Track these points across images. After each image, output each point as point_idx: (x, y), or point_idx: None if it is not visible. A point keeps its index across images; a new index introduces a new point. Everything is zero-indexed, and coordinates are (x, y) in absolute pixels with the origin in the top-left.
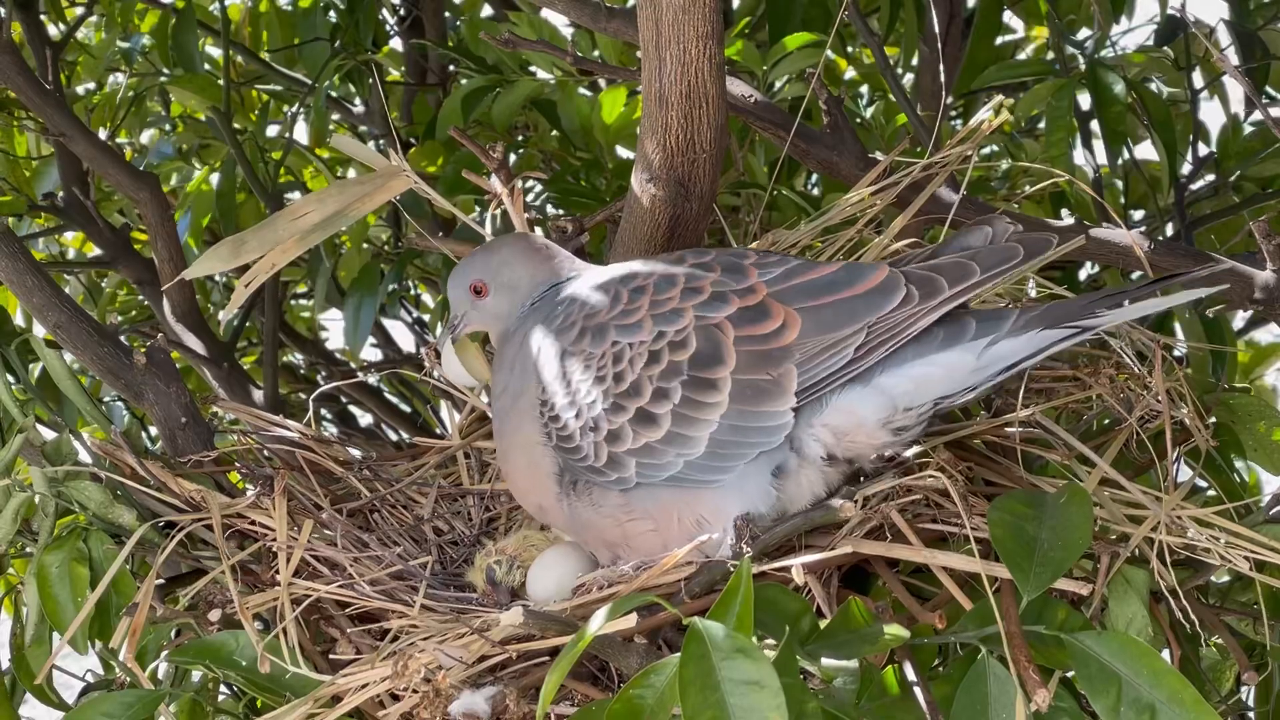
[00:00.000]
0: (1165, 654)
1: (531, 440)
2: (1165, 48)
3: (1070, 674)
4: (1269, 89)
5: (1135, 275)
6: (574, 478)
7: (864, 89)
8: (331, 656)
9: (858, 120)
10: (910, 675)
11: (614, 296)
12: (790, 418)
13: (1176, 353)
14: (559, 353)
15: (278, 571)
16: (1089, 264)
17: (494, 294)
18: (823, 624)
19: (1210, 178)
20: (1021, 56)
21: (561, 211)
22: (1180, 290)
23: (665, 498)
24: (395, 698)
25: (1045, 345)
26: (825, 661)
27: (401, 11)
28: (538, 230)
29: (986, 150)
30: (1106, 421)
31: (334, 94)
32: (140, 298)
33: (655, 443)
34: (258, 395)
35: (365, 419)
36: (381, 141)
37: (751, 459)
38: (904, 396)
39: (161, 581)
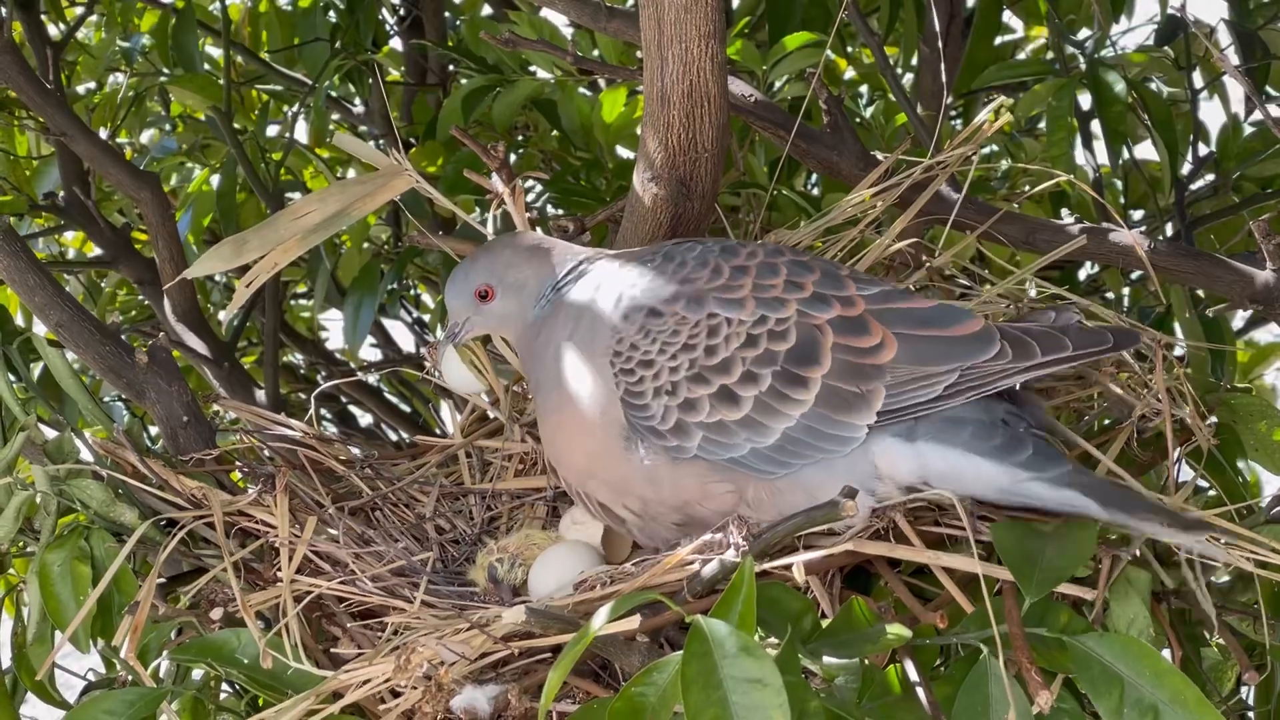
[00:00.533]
0: (1166, 654)
1: (599, 391)
2: (1165, 47)
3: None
4: (1269, 89)
5: (1135, 275)
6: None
7: (864, 89)
8: (333, 651)
9: (858, 120)
10: (912, 675)
11: (713, 269)
12: (863, 435)
13: (1177, 352)
14: (646, 308)
15: (280, 569)
16: (1089, 264)
17: (501, 296)
18: (825, 623)
19: (1210, 177)
20: (1021, 56)
21: (562, 211)
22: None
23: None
24: (396, 694)
25: (1074, 510)
26: (827, 660)
27: (401, 11)
28: (538, 230)
29: (987, 150)
30: (1107, 421)
31: (334, 94)
32: (140, 297)
33: (731, 422)
34: (259, 395)
35: (365, 419)
36: (382, 141)
37: (817, 462)
38: (934, 473)
39: (164, 580)
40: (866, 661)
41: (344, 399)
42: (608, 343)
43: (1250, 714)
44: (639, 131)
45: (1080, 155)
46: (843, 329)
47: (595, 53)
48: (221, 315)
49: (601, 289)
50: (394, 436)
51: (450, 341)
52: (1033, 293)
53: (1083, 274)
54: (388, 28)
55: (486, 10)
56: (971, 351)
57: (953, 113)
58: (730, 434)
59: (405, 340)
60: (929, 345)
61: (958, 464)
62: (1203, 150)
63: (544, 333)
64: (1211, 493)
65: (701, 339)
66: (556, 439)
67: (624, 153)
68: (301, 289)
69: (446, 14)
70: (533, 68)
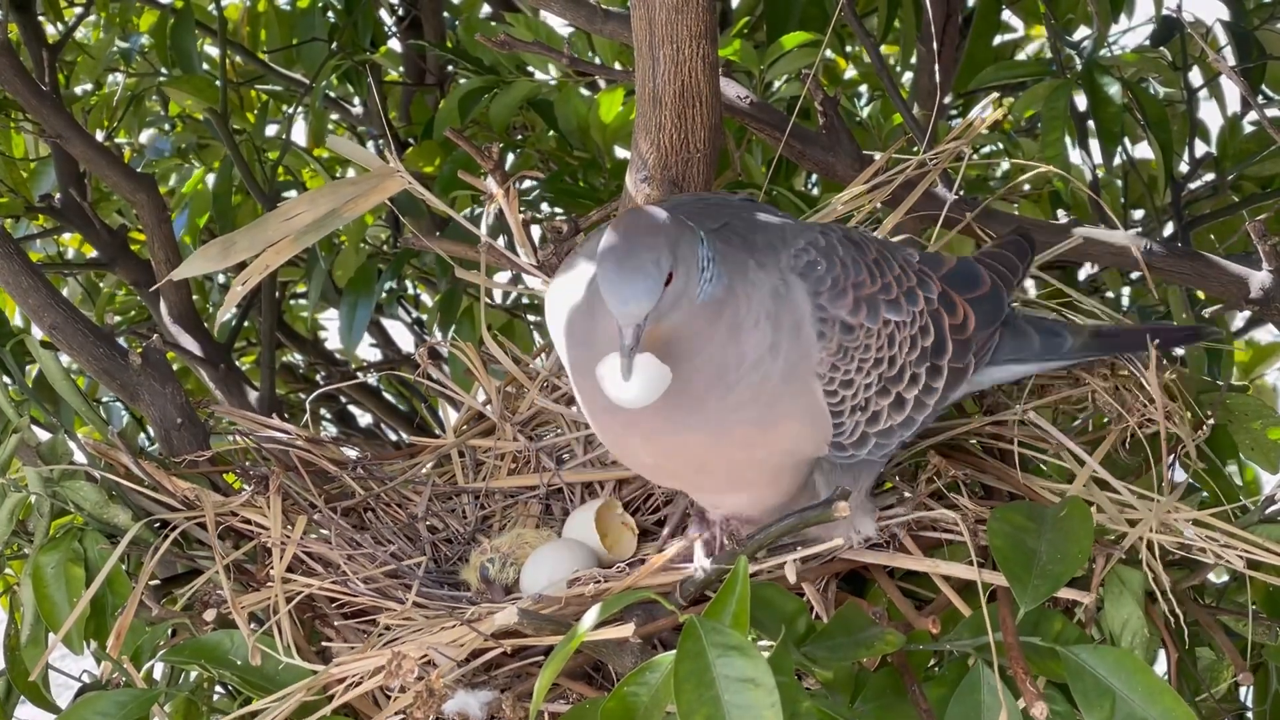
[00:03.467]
0: (1161, 654)
1: (813, 411)
2: (1162, 48)
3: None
4: (1266, 89)
5: (1134, 275)
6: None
7: (863, 88)
8: (324, 644)
9: (855, 120)
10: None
11: (868, 267)
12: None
13: (1176, 352)
14: (839, 321)
15: (272, 569)
16: (1089, 264)
17: (676, 277)
18: (819, 625)
19: (1209, 177)
20: (1021, 56)
21: (559, 211)
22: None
23: None
24: (388, 695)
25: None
26: (820, 663)
27: (400, 12)
28: (534, 230)
29: (986, 150)
30: (1106, 421)
31: (332, 94)
32: (139, 298)
33: (895, 425)
34: (255, 396)
35: (365, 419)
36: (379, 142)
37: None
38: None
39: (159, 582)
40: (859, 664)
41: (343, 399)
42: (815, 362)
43: (1248, 714)
44: (633, 132)
45: (1078, 155)
46: (945, 308)
47: (592, 55)
48: (217, 316)
49: (786, 288)
50: (393, 437)
51: (636, 352)
52: (1033, 292)
53: (1083, 274)
54: (386, 28)
55: (485, 11)
56: (1000, 303)
57: (952, 112)
58: (892, 435)
59: (404, 340)
60: (982, 307)
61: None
62: (1201, 150)
63: (721, 324)
64: (1205, 494)
65: (885, 351)
66: (734, 452)
67: (621, 153)
68: (300, 289)
69: (445, 14)
70: (530, 68)
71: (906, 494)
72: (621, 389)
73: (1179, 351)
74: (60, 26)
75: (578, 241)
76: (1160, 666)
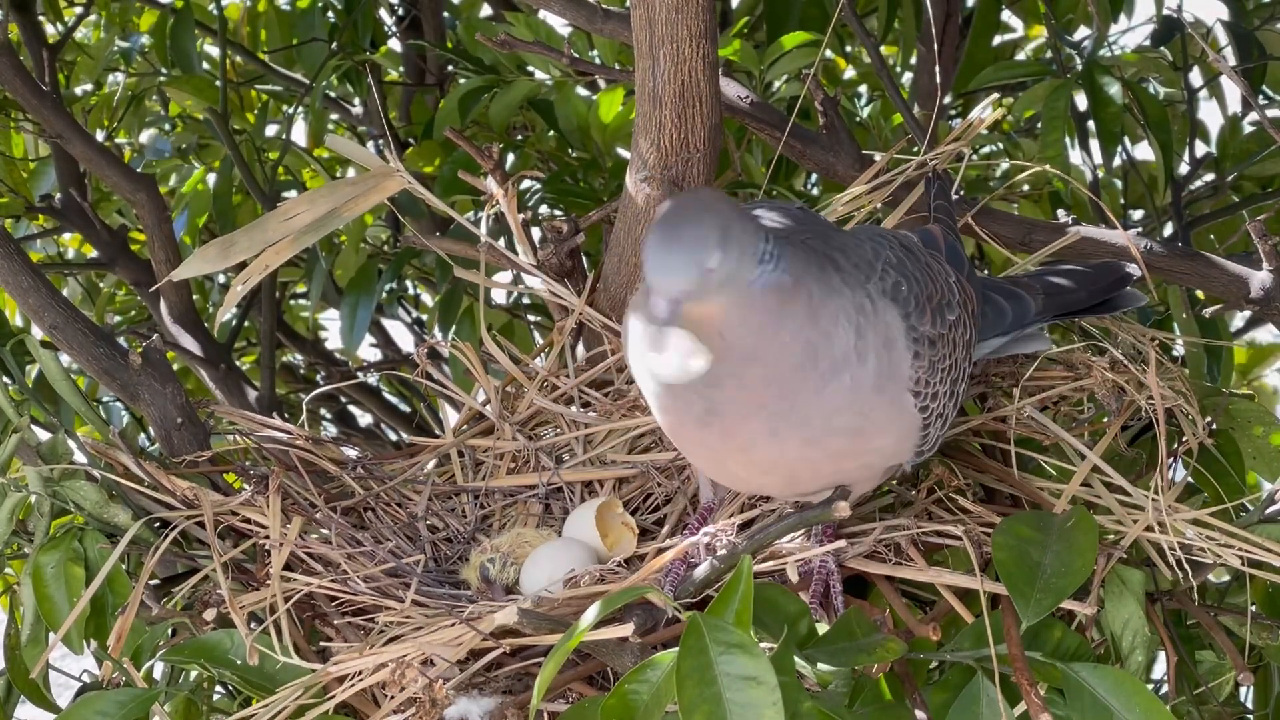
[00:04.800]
0: (1161, 656)
1: (906, 427)
2: (1162, 48)
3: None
4: (1266, 89)
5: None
6: None
7: (863, 88)
8: (324, 644)
9: (855, 120)
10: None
11: (929, 275)
12: None
13: (1176, 353)
14: (927, 339)
15: (272, 568)
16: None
17: (723, 260)
18: (820, 628)
19: (1209, 177)
20: (1021, 56)
21: (559, 211)
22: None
23: None
24: (385, 696)
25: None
26: (821, 666)
27: (400, 12)
28: (535, 231)
29: (986, 150)
30: (1105, 420)
31: (332, 94)
32: (139, 298)
33: (949, 425)
34: (255, 396)
35: (365, 419)
36: (379, 142)
37: None
38: None
39: (158, 581)
40: (859, 668)
41: (343, 399)
42: (909, 379)
43: (1249, 717)
44: (633, 132)
45: (1078, 155)
46: (964, 295)
47: (593, 54)
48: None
49: (874, 307)
50: (393, 437)
51: (670, 325)
52: None
53: None
54: (386, 28)
55: (485, 11)
56: (971, 273)
57: (951, 112)
58: (940, 436)
59: (404, 340)
60: (982, 285)
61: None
62: (1201, 150)
63: (796, 307)
64: (1206, 495)
65: (958, 363)
66: (825, 464)
67: (622, 153)
68: (300, 289)
69: (445, 14)
70: (530, 68)
71: (908, 500)
72: (656, 366)
73: (1179, 351)
74: (60, 26)
75: (578, 241)
76: (1160, 668)
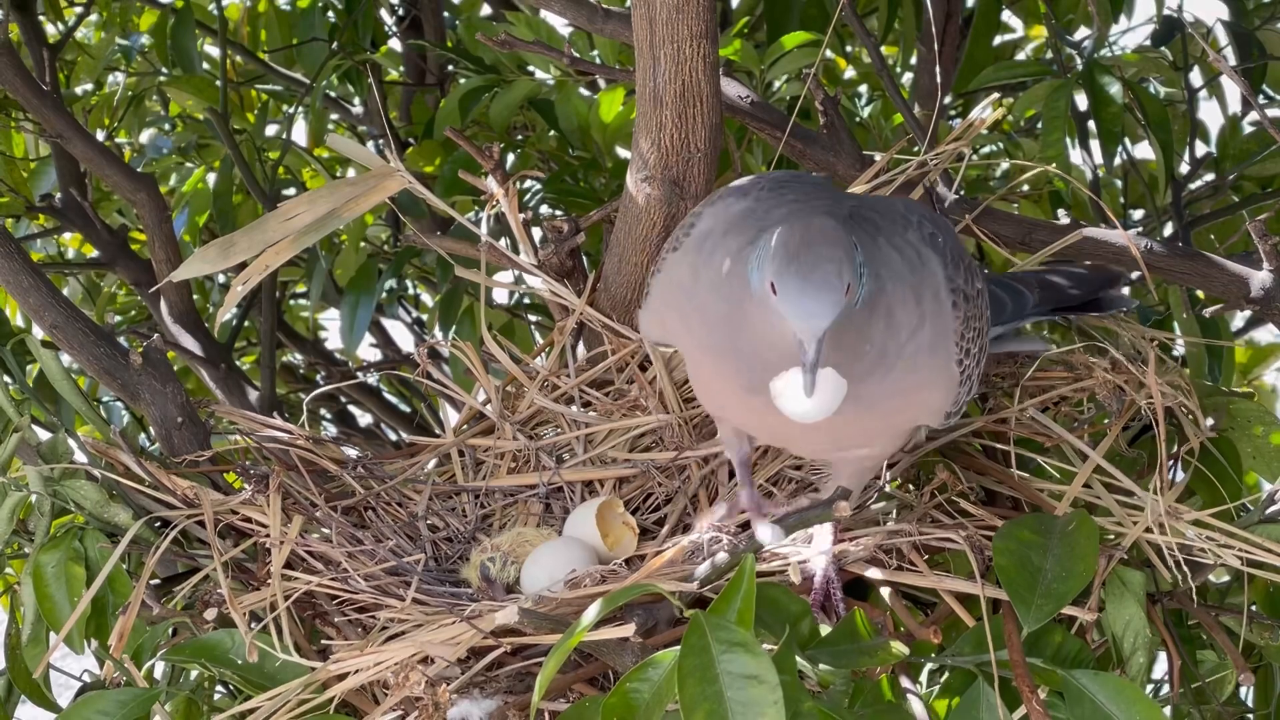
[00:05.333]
0: (1162, 656)
1: (939, 381)
2: (1162, 48)
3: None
4: (1266, 89)
5: (1134, 275)
6: None
7: (863, 88)
8: (324, 642)
9: (856, 120)
10: (905, 684)
11: (951, 247)
12: None
13: (1176, 353)
14: (963, 293)
15: (272, 567)
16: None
17: (853, 288)
18: (823, 629)
19: (1209, 177)
20: (1021, 56)
21: (559, 211)
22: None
23: None
24: (385, 694)
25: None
26: (821, 667)
27: (400, 12)
28: (535, 230)
29: (986, 150)
30: (1106, 421)
31: (332, 94)
32: (139, 298)
33: (974, 392)
34: (255, 396)
35: (365, 419)
36: (380, 142)
37: None
38: None
39: (160, 581)
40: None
41: (343, 399)
42: (953, 331)
43: (1250, 717)
44: (633, 132)
45: (1078, 155)
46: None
47: (593, 54)
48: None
49: (921, 260)
50: (393, 437)
51: (819, 368)
52: None
53: None
54: (386, 28)
55: (485, 10)
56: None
57: (951, 112)
58: (973, 394)
59: (404, 340)
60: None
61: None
62: (1201, 150)
63: (878, 318)
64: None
65: (983, 331)
66: (873, 421)
67: (622, 153)
68: (300, 289)
69: (445, 14)
70: (531, 68)
71: (910, 504)
72: (802, 404)
73: (1179, 351)
74: (60, 26)
75: (578, 241)
76: (1160, 668)
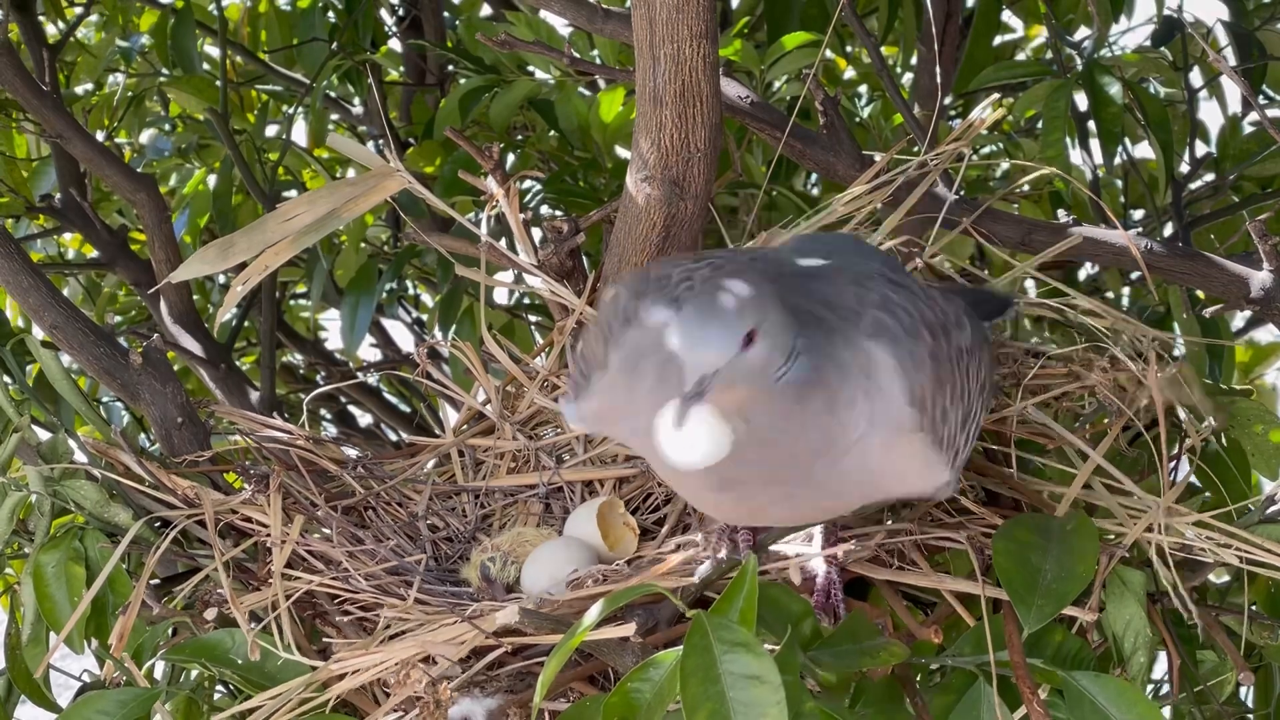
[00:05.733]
0: (1162, 656)
1: (910, 470)
2: (1162, 48)
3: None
4: (1266, 89)
5: (1134, 275)
6: None
7: (863, 88)
8: (325, 641)
9: (856, 120)
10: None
11: (924, 312)
12: None
13: (1176, 352)
14: (920, 384)
15: (273, 567)
16: (1089, 264)
17: (760, 344)
18: (824, 629)
19: (1209, 177)
20: (1021, 56)
21: (559, 211)
22: None
23: None
24: (387, 693)
25: None
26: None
27: (400, 12)
28: (535, 231)
29: (986, 150)
30: (1106, 421)
31: (332, 94)
32: (139, 298)
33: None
34: (255, 396)
35: (365, 419)
36: (380, 142)
37: None
38: None
39: (160, 581)
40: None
41: (343, 399)
42: (911, 424)
43: (1250, 717)
44: (633, 132)
45: (1078, 155)
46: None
47: (593, 54)
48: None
49: (869, 360)
50: (393, 437)
51: (695, 403)
52: (1033, 293)
53: (1083, 274)
54: (386, 28)
55: (485, 10)
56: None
57: (951, 112)
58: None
59: (404, 340)
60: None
61: None
62: (1201, 150)
63: (815, 400)
64: (1207, 495)
65: (970, 384)
66: (837, 505)
67: (622, 153)
68: (300, 289)
69: (445, 14)
70: (531, 68)
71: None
72: (677, 447)
73: (1179, 351)
74: (60, 26)
75: (578, 241)
76: (1160, 667)
